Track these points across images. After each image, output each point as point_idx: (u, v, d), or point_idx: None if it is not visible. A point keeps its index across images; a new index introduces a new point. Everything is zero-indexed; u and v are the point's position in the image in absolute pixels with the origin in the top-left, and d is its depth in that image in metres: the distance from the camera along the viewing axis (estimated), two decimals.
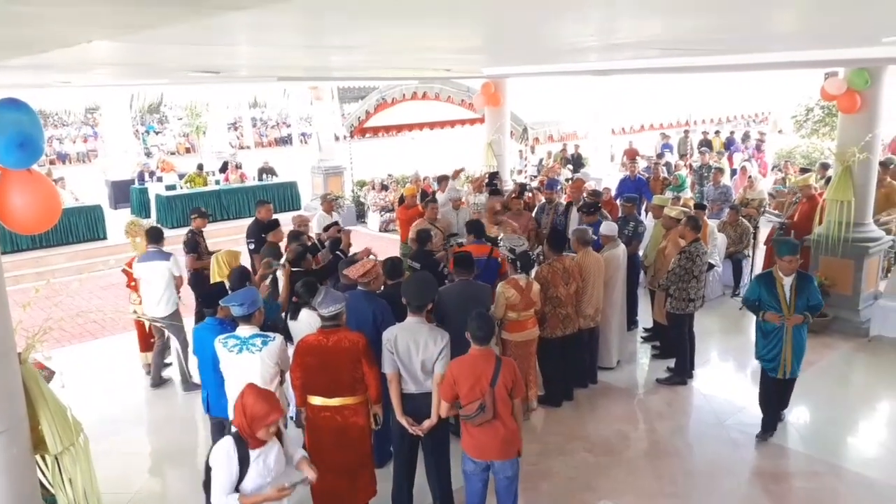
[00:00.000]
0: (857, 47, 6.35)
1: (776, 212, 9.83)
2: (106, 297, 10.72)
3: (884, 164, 9.02)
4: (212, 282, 6.82)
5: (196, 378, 7.15)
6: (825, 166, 11.11)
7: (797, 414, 6.53)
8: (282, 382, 4.67)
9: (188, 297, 7.43)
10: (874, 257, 8.12)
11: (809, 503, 5.06)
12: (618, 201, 8.86)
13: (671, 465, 5.57)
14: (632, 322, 8.02)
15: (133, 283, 7.25)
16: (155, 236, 7.07)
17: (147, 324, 7.06)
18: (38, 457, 3.76)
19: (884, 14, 3.78)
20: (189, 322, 6.69)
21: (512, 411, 4.20)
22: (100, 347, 8.58)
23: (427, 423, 4.48)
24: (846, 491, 5.22)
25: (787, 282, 5.58)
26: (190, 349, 6.04)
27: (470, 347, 4.19)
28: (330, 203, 9.55)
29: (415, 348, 4.41)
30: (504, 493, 4.36)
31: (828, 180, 9.38)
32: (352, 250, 7.16)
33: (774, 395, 5.96)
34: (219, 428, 5.10)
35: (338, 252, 6.91)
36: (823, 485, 5.28)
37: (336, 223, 8.13)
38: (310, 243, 7.12)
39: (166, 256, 6.89)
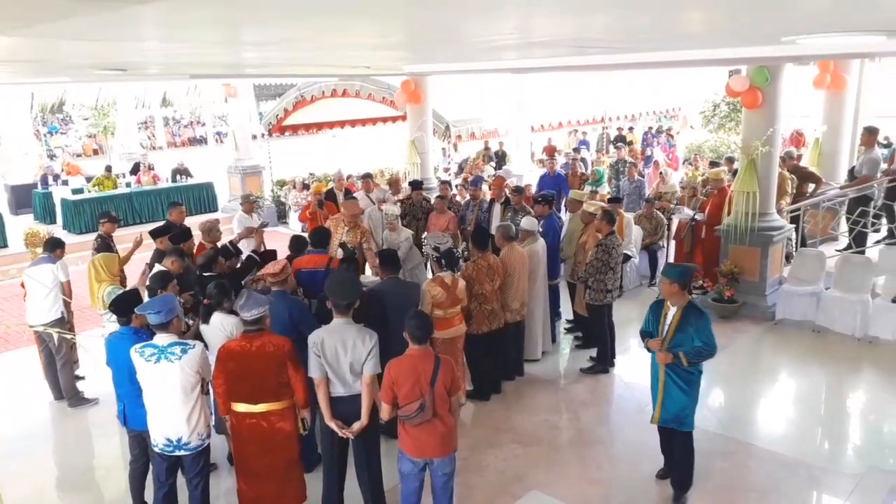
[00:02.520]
0: (759, 46, 6.69)
1: (681, 206, 10.24)
2: (8, 308, 10.07)
3: (781, 157, 9.54)
4: (89, 289, 6.48)
5: (86, 393, 6.89)
6: (731, 160, 11.67)
7: (713, 396, 6.85)
8: (204, 391, 4.50)
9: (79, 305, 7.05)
10: (778, 245, 8.60)
11: (725, 481, 5.31)
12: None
13: (596, 452, 5.72)
14: (555, 314, 8.19)
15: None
16: (49, 246, 6.69)
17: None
18: None
19: (782, 15, 3.99)
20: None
21: (450, 408, 4.21)
22: (2, 363, 8.05)
23: (357, 426, 4.42)
24: (758, 467, 5.50)
25: (672, 312, 4.82)
26: (103, 360, 5.73)
27: (408, 347, 4.17)
28: (250, 204, 9.30)
29: (342, 350, 4.34)
30: (441, 491, 4.36)
31: (734, 173, 9.87)
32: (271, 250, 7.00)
33: (663, 443, 5.22)
34: (137, 441, 4.87)
35: (251, 254, 6.74)
36: (737, 462, 5.55)
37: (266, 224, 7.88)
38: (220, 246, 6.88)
39: (52, 260, 6.54)
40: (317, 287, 5.52)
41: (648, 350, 4.94)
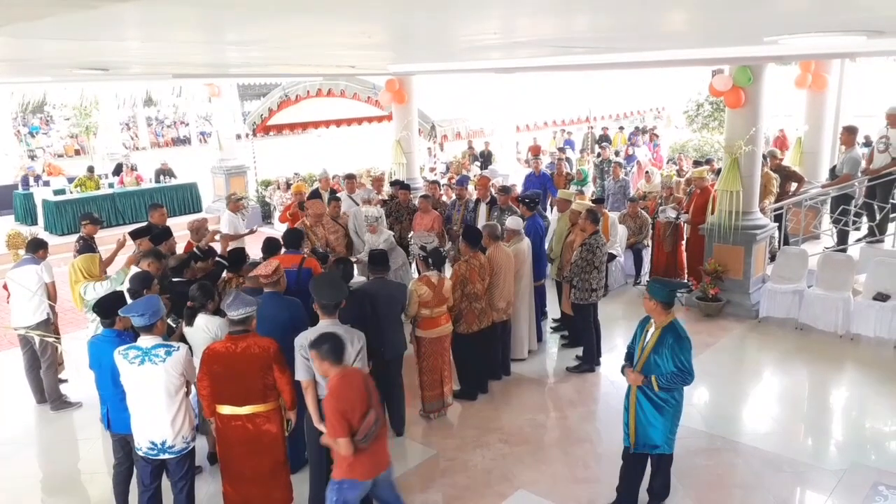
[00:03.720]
0: (741, 46, 6.74)
1: (664, 206, 10.31)
2: None
3: (764, 157, 9.63)
4: (71, 290, 6.40)
5: (70, 396, 6.82)
6: (710, 161, 11.96)
7: (698, 394, 6.89)
8: (188, 393, 4.46)
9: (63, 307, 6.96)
10: (761, 243, 8.67)
11: (710, 478, 5.35)
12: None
13: (583, 451, 5.74)
14: (541, 313, 8.21)
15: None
16: (32, 247, 6.61)
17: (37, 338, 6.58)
18: None
19: (764, 15, 4.02)
20: None
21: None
22: None
23: None
24: (743, 464, 5.54)
25: (651, 332, 4.56)
26: (85, 363, 5.66)
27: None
28: (236, 203, 9.25)
29: None
30: (394, 499, 4.25)
31: (717, 172, 9.95)
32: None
33: (630, 469, 4.81)
34: (121, 444, 4.82)
35: (218, 259, 6.68)
36: (723, 460, 5.59)
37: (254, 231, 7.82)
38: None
39: (36, 261, 6.46)
40: (289, 288, 5.48)
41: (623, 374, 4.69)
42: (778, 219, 9.29)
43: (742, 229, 8.46)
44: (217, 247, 7.64)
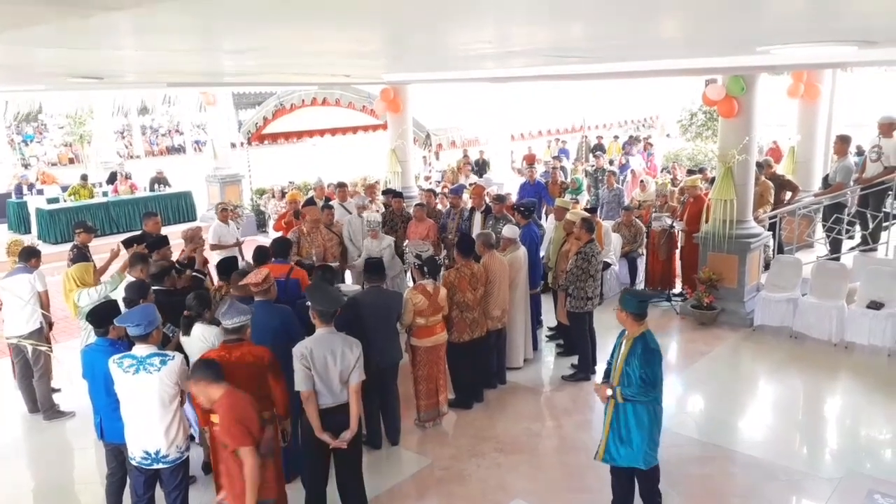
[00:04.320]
0: (734, 56, 6.79)
1: (659, 214, 10.34)
2: None
3: (759, 165, 9.68)
4: (65, 299, 6.37)
5: (63, 405, 6.75)
6: (703, 170, 12.08)
7: (692, 402, 6.89)
8: (182, 403, 4.44)
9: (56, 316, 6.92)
10: (755, 252, 8.70)
11: (706, 486, 5.34)
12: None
13: (578, 460, 5.72)
14: (536, 322, 8.20)
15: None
16: (25, 255, 6.57)
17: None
18: None
19: (757, 25, 4.05)
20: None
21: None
22: None
23: (348, 434, 4.40)
24: (738, 472, 5.54)
25: (625, 343, 4.50)
26: (79, 373, 5.62)
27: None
28: (225, 213, 9.21)
29: (332, 359, 4.31)
30: None
31: (711, 181, 9.99)
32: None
33: (617, 483, 4.73)
34: (114, 454, 4.78)
35: (196, 273, 6.64)
36: (718, 469, 5.58)
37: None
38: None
39: (29, 270, 6.43)
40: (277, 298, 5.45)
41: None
42: (772, 227, 9.33)
43: (736, 238, 8.49)
44: (209, 257, 7.64)
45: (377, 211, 9.56)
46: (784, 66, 7.95)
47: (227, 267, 6.27)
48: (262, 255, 6.23)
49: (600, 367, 7.32)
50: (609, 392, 4.42)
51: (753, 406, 6.88)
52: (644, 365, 4.28)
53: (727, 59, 7.01)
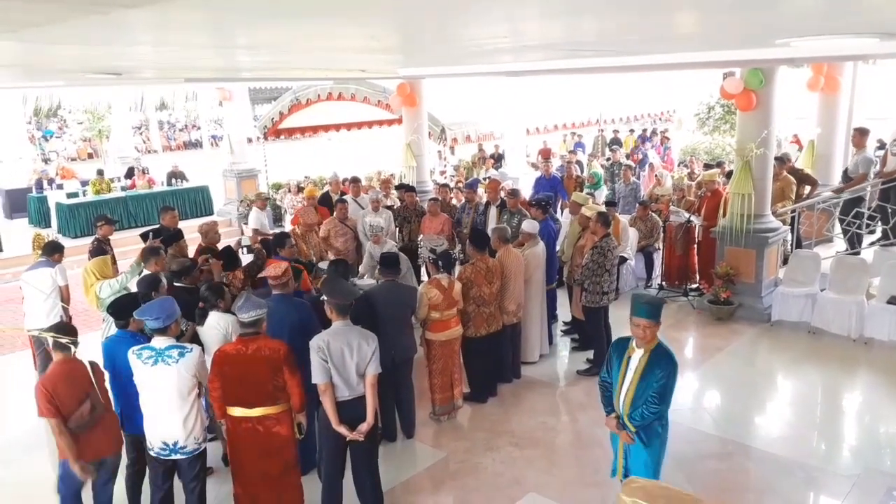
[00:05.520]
0: (752, 48, 6.71)
1: (677, 208, 10.27)
2: (2, 312, 10.02)
3: (779, 159, 9.57)
4: (85, 293, 6.45)
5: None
6: (720, 164, 11.95)
7: (709, 398, 6.85)
8: (200, 395, 4.49)
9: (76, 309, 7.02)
10: (773, 246, 8.61)
11: (723, 483, 5.31)
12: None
13: (594, 455, 5.71)
14: (551, 316, 8.19)
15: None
16: (48, 250, 6.68)
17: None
18: None
19: (776, 18, 4.00)
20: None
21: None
22: None
23: (365, 427, 4.43)
24: (755, 468, 5.50)
25: (637, 356, 4.01)
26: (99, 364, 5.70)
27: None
28: (263, 201, 9.44)
29: (349, 352, 4.34)
30: (104, 490, 4.56)
31: (728, 174, 9.89)
32: None
33: None
34: (133, 444, 4.84)
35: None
36: (735, 464, 5.55)
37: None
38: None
39: (51, 264, 6.52)
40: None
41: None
42: (790, 222, 9.24)
43: (754, 232, 8.41)
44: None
45: (390, 206, 9.58)
46: (803, 58, 7.84)
47: (230, 257, 6.33)
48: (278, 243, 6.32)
49: None
50: (631, 436, 4.00)
51: (771, 402, 6.83)
52: (670, 377, 3.91)
53: (745, 51, 6.93)
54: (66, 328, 4.47)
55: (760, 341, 8.07)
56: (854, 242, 9.22)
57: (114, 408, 4.68)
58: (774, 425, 6.27)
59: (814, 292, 8.10)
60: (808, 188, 9.82)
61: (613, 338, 7.28)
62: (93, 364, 4.44)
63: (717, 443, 5.86)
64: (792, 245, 9.38)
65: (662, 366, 3.93)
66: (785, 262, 9.04)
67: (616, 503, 2.63)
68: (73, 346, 4.30)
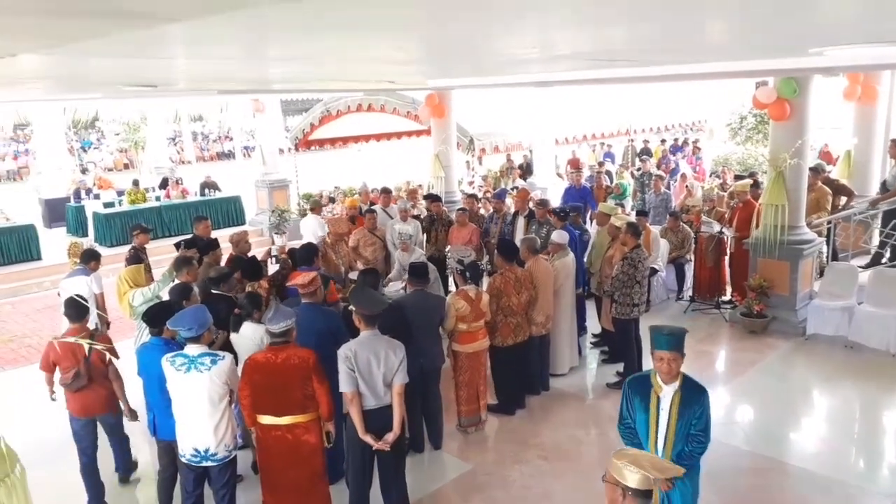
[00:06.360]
0: (785, 58, 6.61)
1: (708, 219, 10.13)
2: (41, 319, 10.27)
3: (814, 170, 9.40)
4: (118, 301, 6.57)
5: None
6: (753, 174, 11.78)
7: (742, 413, 6.72)
8: (231, 402, 4.55)
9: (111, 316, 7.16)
10: (808, 259, 8.44)
11: (757, 499, 5.20)
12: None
13: None
14: (581, 328, 8.12)
15: None
16: (85, 258, 6.85)
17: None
18: None
19: (808, 27, 3.94)
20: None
21: (107, 375, 5.16)
22: (35, 372, 8.13)
23: (391, 436, 4.44)
24: (790, 485, 5.38)
25: (668, 393, 3.69)
26: (133, 371, 5.80)
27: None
28: (320, 207, 9.55)
29: (376, 362, 4.36)
30: (116, 443, 5.46)
31: (757, 185, 9.76)
32: None
33: None
34: (166, 451, 4.92)
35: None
36: (770, 481, 5.43)
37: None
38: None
39: (87, 272, 6.66)
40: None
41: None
42: (826, 233, 9.05)
43: (788, 244, 8.26)
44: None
45: (417, 216, 9.62)
46: (839, 67, 7.70)
47: (254, 267, 6.39)
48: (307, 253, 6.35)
49: None
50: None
51: (806, 418, 6.68)
52: (706, 408, 3.65)
53: (778, 61, 6.83)
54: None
55: (795, 355, 7.90)
56: (894, 255, 9.00)
57: (147, 414, 4.77)
58: (810, 442, 6.13)
59: (851, 305, 7.91)
60: (844, 199, 9.62)
61: (644, 350, 7.24)
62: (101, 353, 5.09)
63: (751, 458, 5.74)
64: (828, 257, 9.19)
65: (699, 400, 3.68)
66: (821, 274, 8.86)
67: (608, 467, 2.74)
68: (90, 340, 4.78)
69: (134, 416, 5.31)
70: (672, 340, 3.64)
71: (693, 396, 3.66)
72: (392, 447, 4.48)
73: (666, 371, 3.67)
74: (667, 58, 6.21)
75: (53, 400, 5.35)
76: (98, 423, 5.34)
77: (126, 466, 5.77)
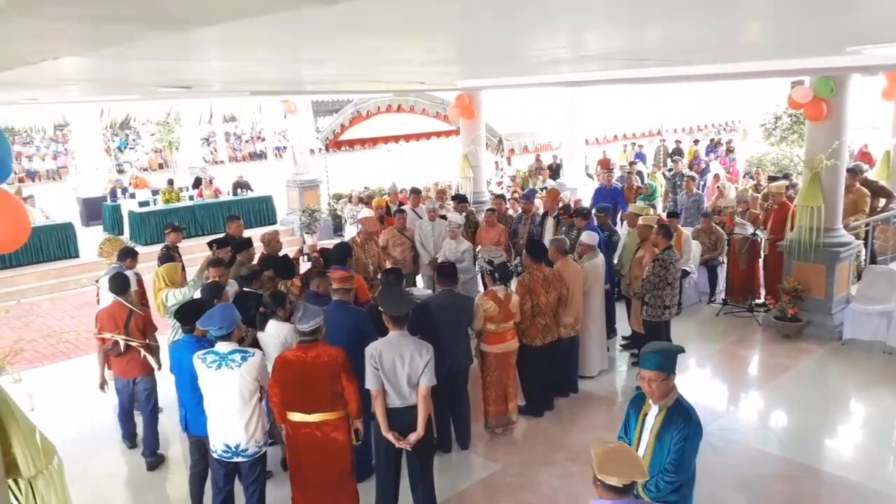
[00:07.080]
0: (822, 56, 6.48)
1: (742, 221, 9.97)
2: (79, 316, 10.51)
3: (851, 171, 9.19)
4: (154, 296, 6.69)
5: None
6: (787, 175, 11.54)
7: (775, 418, 6.61)
8: (261, 399, 4.61)
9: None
10: (845, 262, 8.26)
11: None
12: (592, 211, 8.91)
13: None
14: (610, 330, 8.06)
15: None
16: (123, 255, 6.99)
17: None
18: (10, 481, 3.65)
19: (847, 25, 3.86)
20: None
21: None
22: (73, 367, 8.40)
23: (414, 437, 4.46)
24: (825, 493, 5.28)
25: (654, 412, 3.48)
26: (166, 368, 5.92)
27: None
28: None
29: (400, 362, 4.38)
30: (145, 402, 6.00)
31: (792, 186, 9.57)
32: None
33: None
34: (197, 446, 5.01)
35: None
36: (803, 488, 5.33)
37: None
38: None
39: (123, 269, 6.80)
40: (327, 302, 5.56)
41: None
42: (864, 236, 8.84)
43: (824, 246, 8.09)
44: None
45: (444, 216, 9.65)
46: (877, 66, 7.51)
47: (287, 266, 6.46)
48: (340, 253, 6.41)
49: (677, 379, 7.12)
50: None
51: (842, 424, 6.53)
52: (688, 440, 3.31)
53: (814, 59, 6.69)
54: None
55: (830, 360, 7.73)
56: None
57: (179, 410, 4.86)
58: (846, 449, 6.00)
59: (890, 310, 7.72)
60: (883, 201, 9.38)
61: None
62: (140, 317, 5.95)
63: (783, 464, 5.64)
64: (865, 260, 8.98)
65: (680, 427, 3.33)
66: (858, 277, 8.66)
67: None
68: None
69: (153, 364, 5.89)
70: (656, 359, 3.39)
71: (675, 421, 3.36)
72: (419, 447, 4.49)
73: (649, 392, 3.45)
74: (701, 57, 6.13)
75: (104, 391, 6.09)
76: (135, 389, 6.01)
77: (153, 446, 5.99)
